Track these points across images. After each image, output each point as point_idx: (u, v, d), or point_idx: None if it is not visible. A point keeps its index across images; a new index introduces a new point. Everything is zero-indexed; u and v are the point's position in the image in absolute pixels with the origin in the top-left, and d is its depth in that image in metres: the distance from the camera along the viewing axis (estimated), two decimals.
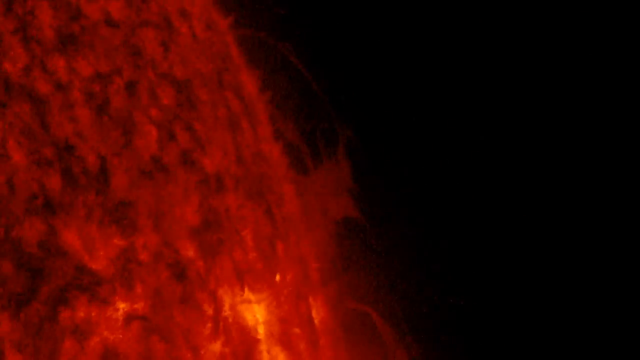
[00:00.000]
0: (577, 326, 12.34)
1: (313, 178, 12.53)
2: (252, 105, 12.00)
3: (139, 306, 8.64)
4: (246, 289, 10.15)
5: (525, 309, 12.37)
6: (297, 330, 11.06)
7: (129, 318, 8.51)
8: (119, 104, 9.07)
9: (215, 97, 10.79)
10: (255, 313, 10.26)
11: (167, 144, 9.48)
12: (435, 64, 12.16)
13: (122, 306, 8.47)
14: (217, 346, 9.45)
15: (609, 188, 12.38)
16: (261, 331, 10.25)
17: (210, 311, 9.43)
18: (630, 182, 12.20)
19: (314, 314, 11.93)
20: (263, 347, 10.19)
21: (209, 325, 9.38)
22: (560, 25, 12.17)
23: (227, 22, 12.17)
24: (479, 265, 12.34)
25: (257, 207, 10.81)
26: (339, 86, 12.27)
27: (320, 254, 12.45)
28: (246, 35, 12.49)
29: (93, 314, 8.19)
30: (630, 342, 12.16)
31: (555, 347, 12.48)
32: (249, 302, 10.17)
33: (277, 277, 10.88)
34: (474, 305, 12.33)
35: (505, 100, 12.32)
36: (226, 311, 9.69)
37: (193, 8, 11.22)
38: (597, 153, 12.41)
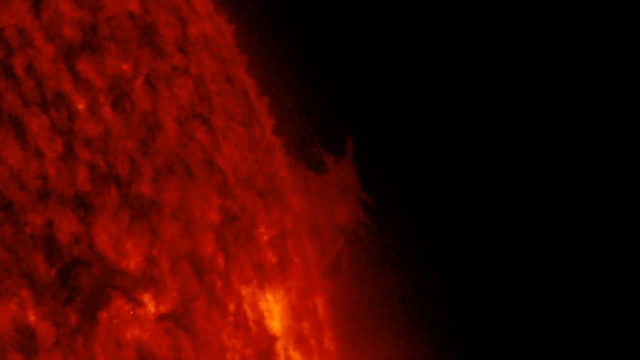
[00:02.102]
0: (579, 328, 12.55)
1: (319, 179, 12.63)
2: (256, 105, 12.07)
3: (168, 304, 8.65)
4: (263, 286, 10.24)
5: (528, 311, 12.54)
6: (307, 327, 11.16)
7: (159, 316, 8.52)
8: (141, 101, 9.07)
9: (226, 95, 10.85)
10: (272, 309, 10.35)
11: (187, 141, 9.51)
12: (442, 65, 12.27)
13: (152, 305, 8.47)
14: (239, 341, 9.51)
15: (609, 188, 12.60)
16: (277, 327, 10.34)
17: (232, 308, 9.49)
18: (630, 182, 12.42)
19: (319, 312, 12.04)
20: (280, 343, 10.29)
21: (231, 320, 9.44)
22: (562, 26, 12.36)
23: (226, 21, 12.20)
24: (484, 266, 12.50)
25: (269, 205, 10.89)
26: (344, 87, 12.33)
27: (325, 253, 12.55)
28: (247, 34, 12.52)
29: (126, 314, 8.18)
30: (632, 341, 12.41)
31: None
32: (266, 299, 10.25)
33: (290, 275, 10.97)
34: (475, 306, 12.49)
35: (512, 103, 12.47)
36: (246, 308, 9.76)
37: (197, 4, 11.26)
38: (597, 153, 12.61)
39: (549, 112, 12.69)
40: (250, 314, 9.83)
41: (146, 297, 8.44)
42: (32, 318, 7.57)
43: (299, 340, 10.88)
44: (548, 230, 12.80)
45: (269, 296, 10.38)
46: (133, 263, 8.46)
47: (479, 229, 12.68)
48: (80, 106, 8.46)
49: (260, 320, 10.03)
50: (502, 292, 12.86)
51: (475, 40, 12.39)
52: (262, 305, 10.17)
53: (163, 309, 8.59)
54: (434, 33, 12.46)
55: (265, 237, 10.56)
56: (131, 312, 8.23)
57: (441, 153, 12.68)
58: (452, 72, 12.51)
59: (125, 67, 9.04)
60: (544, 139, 12.78)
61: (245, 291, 9.85)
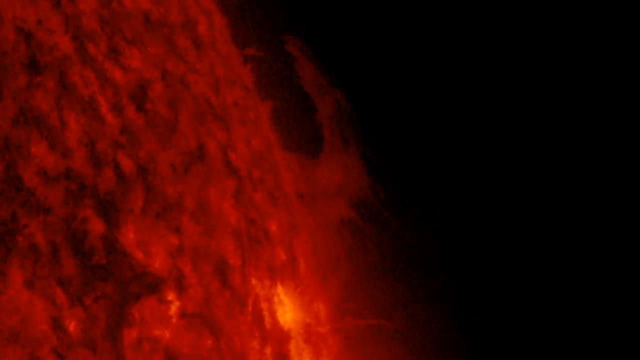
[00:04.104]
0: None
1: (322, 178, 12.69)
2: (259, 105, 12.09)
3: (193, 303, 8.64)
4: (276, 284, 10.29)
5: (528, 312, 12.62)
6: (314, 325, 11.24)
7: (186, 316, 8.51)
8: (161, 101, 9.05)
9: (235, 95, 10.87)
10: (285, 307, 10.41)
11: (206, 140, 9.52)
12: (447, 59, 12.31)
13: (178, 304, 8.46)
14: (257, 342, 9.54)
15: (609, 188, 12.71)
16: (290, 325, 10.40)
17: (250, 307, 9.52)
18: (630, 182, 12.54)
19: (322, 309, 12.12)
20: (293, 342, 10.35)
21: (250, 319, 9.47)
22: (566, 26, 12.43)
23: (227, 18, 12.20)
24: (489, 268, 12.55)
25: (278, 204, 10.94)
26: (347, 81, 12.34)
27: (327, 250, 12.62)
28: (248, 33, 12.52)
29: (154, 313, 8.15)
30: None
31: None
32: (279, 297, 10.30)
33: (299, 273, 11.04)
34: (478, 308, 12.55)
35: (515, 101, 12.56)
36: (262, 306, 9.80)
37: (203, 3, 11.27)
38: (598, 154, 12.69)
39: (552, 114, 12.85)
40: (266, 312, 9.86)
41: (172, 297, 8.42)
42: (64, 317, 7.50)
43: (309, 339, 10.95)
44: (551, 233, 12.92)
45: (282, 294, 10.43)
46: (159, 262, 8.43)
47: (485, 229, 12.75)
48: (105, 106, 8.40)
49: (275, 319, 10.07)
50: (508, 295, 12.96)
51: (477, 40, 12.50)
52: (276, 303, 10.21)
53: (188, 308, 8.58)
54: (437, 32, 12.54)
55: (277, 237, 10.61)
56: (159, 312, 8.19)
57: (448, 150, 12.76)
58: (456, 70, 12.58)
59: (145, 66, 9.01)
60: (545, 140, 12.92)
61: (260, 289, 9.88)
